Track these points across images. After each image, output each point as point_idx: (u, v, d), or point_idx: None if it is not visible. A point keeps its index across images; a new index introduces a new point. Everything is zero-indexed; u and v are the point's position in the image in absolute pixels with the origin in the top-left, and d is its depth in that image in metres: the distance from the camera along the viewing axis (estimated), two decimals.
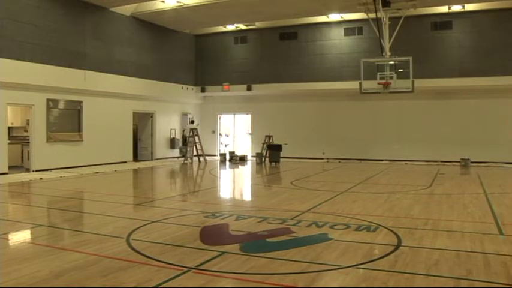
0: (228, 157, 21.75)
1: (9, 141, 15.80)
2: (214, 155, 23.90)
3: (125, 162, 19.48)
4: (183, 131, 23.12)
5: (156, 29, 21.15)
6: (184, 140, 22.36)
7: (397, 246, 5.81)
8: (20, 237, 6.75)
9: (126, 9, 19.15)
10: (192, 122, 22.53)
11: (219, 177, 16.51)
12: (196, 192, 12.59)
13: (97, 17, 18.09)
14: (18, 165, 16.52)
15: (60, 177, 14.38)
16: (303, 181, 13.74)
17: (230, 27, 22.97)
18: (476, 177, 14.44)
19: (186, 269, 4.88)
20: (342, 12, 20.05)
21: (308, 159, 21.58)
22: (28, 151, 16.05)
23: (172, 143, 22.76)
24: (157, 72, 21.25)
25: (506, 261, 5.14)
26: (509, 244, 6.01)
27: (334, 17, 20.69)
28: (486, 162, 18.85)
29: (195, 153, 21.61)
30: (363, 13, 16.83)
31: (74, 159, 17.10)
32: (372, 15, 16.03)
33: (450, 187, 12.37)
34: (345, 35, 21.22)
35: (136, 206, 9.64)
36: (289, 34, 22.20)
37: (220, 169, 18.78)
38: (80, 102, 17.49)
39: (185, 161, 20.79)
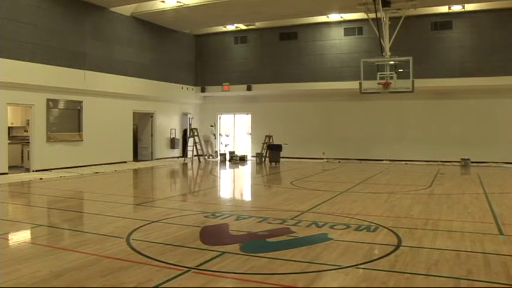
0: (228, 157, 21.77)
1: (9, 141, 15.80)
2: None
3: (125, 162, 19.48)
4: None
5: (156, 29, 21.15)
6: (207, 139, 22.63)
7: (397, 246, 5.81)
8: (20, 237, 6.75)
9: (126, 9, 19.15)
10: (213, 125, 22.83)
11: (219, 177, 16.51)
12: (196, 192, 12.59)
13: (97, 17, 18.09)
14: (18, 165, 16.52)
15: (60, 177, 14.38)
16: (303, 181, 13.75)
17: (230, 27, 22.96)
18: (476, 177, 14.43)
19: (186, 269, 4.87)
20: (342, 12, 20.05)
21: (308, 159, 21.57)
22: (28, 151, 16.05)
23: (172, 143, 22.77)
24: (157, 72, 21.25)
25: (506, 261, 5.14)
26: (509, 244, 6.01)
27: (334, 17, 20.69)
28: (486, 162, 18.85)
29: (195, 153, 21.70)
30: (363, 13, 16.82)
31: (74, 159, 17.10)
32: (372, 15, 16.02)
33: (450, 187, 12.37)
34: (345, 35, 21.22)
35: (136, 206, 9.64)
36: (289, 34, 22.20)
37: (220, 169, 18.79)
38: (80, 102, 17.49)
39: (185, 161, 20.82)
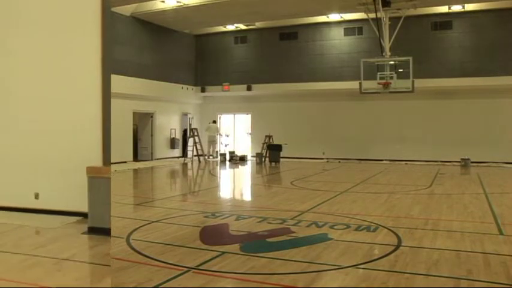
0: (228, 157, 21.77)
1: None
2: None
3: (125, 162, 19.46)
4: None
5: (156, 29, 21.15)
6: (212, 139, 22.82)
7: (397, 246, 5.81)
8: None
9: (126, 9, 19.15)
10: (214, 121, 23.05)
11: (219, 177, 16.51)
12: (196, 192, 12.59)
13: None
14: None
15: None
16: (303, 181, 13.74)
17: (230, 27, 22.97)
18: (476, 177, 14.43)
19: (186, 269, 4.87)
20: (342, 12, 20.06)
21: (308, 159, 21.56)
22: None
23: (172, 143, 22.77)
24: (157, 72, 21.24)
25: (506, 261, 5.13)
26: (509, 244, 6.01)
27: (334, 17, 20.70)
28: (486, 162, 18.84)
29: (195, 153, 21.71)
30: (363, 13, 16.84)
31: None
32: (372, 15, 16.04)
33: (450, 187, 12.37)
34: (345, 35, 21.23)
35: (136, 206, 9.65)
36: (289, 34, 22.20)
37: (220, 169, 18.79)
38: None
39: (185, 161, 20.83)
